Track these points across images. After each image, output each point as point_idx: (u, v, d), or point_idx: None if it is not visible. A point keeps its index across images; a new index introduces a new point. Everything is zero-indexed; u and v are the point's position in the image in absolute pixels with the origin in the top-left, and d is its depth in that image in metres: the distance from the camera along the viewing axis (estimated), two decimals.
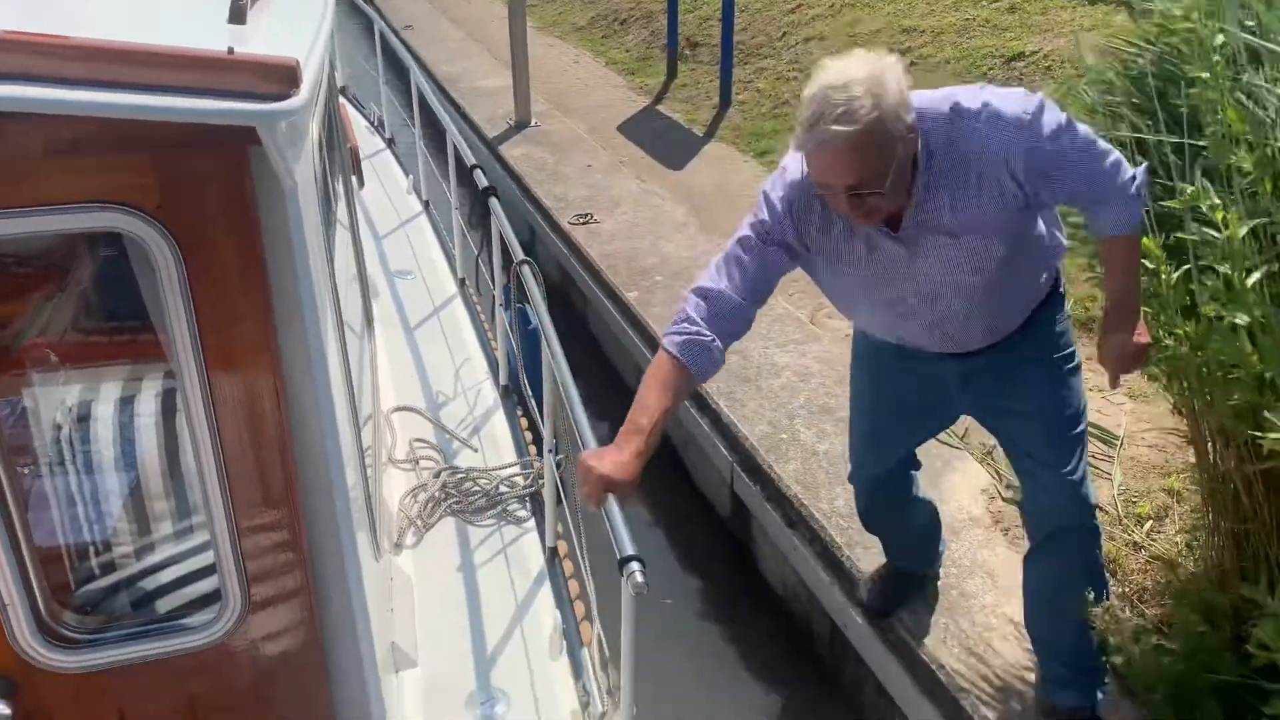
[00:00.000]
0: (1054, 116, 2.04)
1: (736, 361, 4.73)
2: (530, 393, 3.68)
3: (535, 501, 3.16)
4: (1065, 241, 2.39)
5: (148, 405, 1.88)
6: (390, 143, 6.33)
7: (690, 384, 2.10)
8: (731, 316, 2.12)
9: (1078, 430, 2.48)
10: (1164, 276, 2.34)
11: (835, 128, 1.85)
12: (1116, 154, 2.14)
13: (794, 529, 3.71)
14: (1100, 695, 2.69)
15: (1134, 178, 2.16)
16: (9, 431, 1.72)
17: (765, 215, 2.16)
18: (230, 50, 1.42)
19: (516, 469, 3.31)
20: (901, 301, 2.27)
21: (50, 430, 1.84)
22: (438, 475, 3.21)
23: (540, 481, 3.10)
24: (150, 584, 1.88)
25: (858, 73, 1.87)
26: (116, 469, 1.87)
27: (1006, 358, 2.41)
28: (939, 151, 2.03)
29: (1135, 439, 4.00)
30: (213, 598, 1.79)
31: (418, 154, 5.59)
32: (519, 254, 3.09)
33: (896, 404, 2.65)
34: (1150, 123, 2.55)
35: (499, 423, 3.60)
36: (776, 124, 8.38)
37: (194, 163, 1.53)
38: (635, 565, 1.82)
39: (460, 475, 3.22)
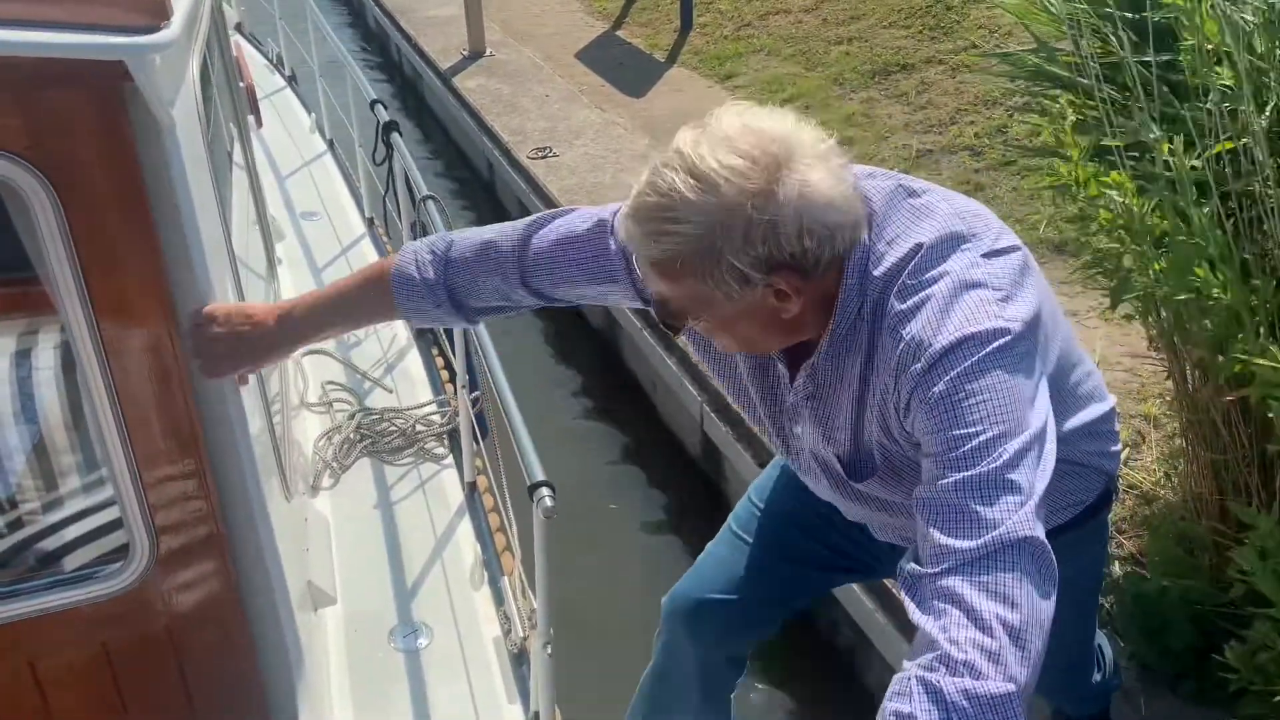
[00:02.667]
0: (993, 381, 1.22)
1: None
2: (443, 330, 3.59)
3: (453, 438, 3.12)
4: (1104, 461, 1.68)
5: (46, 358, 1.83)
6: (291, 80, 6.11)
7: (392, 314, 1.73)
8: (491, 285, 1.62)
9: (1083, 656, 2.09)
10: (1135, 210, 2.23)
11: (638, 235, 1.29)
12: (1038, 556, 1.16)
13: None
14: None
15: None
16: None
17: None
18: None
19: (433, 407, 3.27)
20: (788, 450, 1.61)
21: None
22: (352, 417, 3.16)
23: (457, 418, 3.04)
24: (58, 539, 1.84)
25: (705, 178, 1.22)
26: (17, 424, 1.82)
27: None
28: (851, 312, 1.35)
29: (1109, 363, 3.93)
30: (123, 551, 1.76)
31: (318, 90, 5.40)
32: (423, 189, 2.98)
33: (797, 522, 1.89)
34: (1137, 38, 2.39)
35: (413, 361, 3.56)
36: (739, 46, 8.15)
37: (63, 101, 1.44)
38: (545, 490, 1.83)
39: (375, 416, 3.17)
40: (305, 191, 4.82)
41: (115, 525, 1.75)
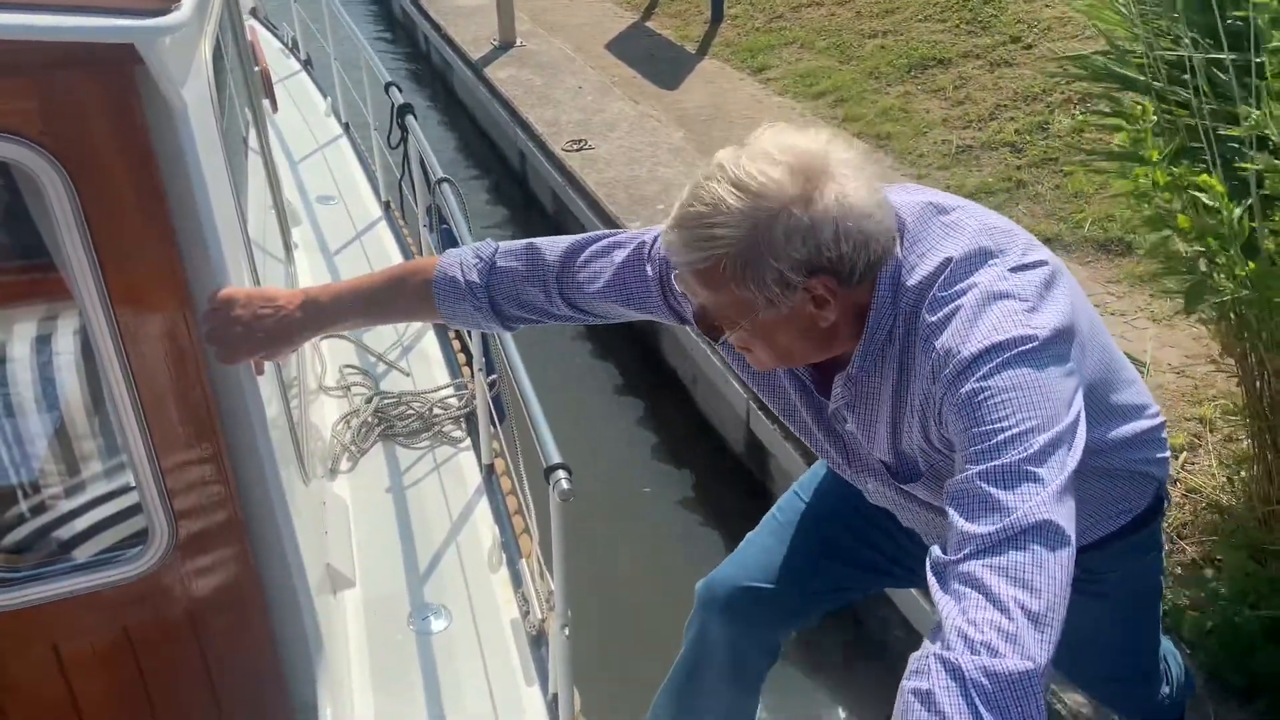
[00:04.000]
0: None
1: None
2: None
3: (470, 421, 3.12)
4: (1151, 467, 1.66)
5: (65, 344, 1.83)
6: (306, 64, 6.09)
7: (424, 314, 1.84)
8: (531, 295, 1.66)
9: (1151, 666, 2.04)
10: (1225, 214, 2.20)
11: (681, 243, 1.33)
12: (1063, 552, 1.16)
13: None
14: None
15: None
16: None
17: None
18: None
19: (450, 390, 3.27)
20: (838, 457, 1.65)
21: None
22: (369, 401, 3.16)
23: (474, 401, 3.05)
24: (80, 524, 1.85)
25: (748, 186, 1.28)
26: (38, 410, 1.83)
27: None
28: (885, 323, 1.39)
29: (1159, 365, 3.90)
30: (143, 535, 1.78)
31: (333, 74, 5.38)
32: (438, 172, 2.97)
33: (844, 520, 1.93)
34: (1210, 40, 2.37)
35: (430, 344, 3.55)
36: (772, 39, 8.11)
37: (76, 84, 1.44)
38: (561, 473, 1.84)
39: (392, 400, 3.18)
40: (321, 176, 4.81)
41: (135, 510, 1.77)
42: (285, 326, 1.67)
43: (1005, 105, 6.08)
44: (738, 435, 4.36)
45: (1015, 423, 1.21)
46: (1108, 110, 2.95)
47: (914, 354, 1.37)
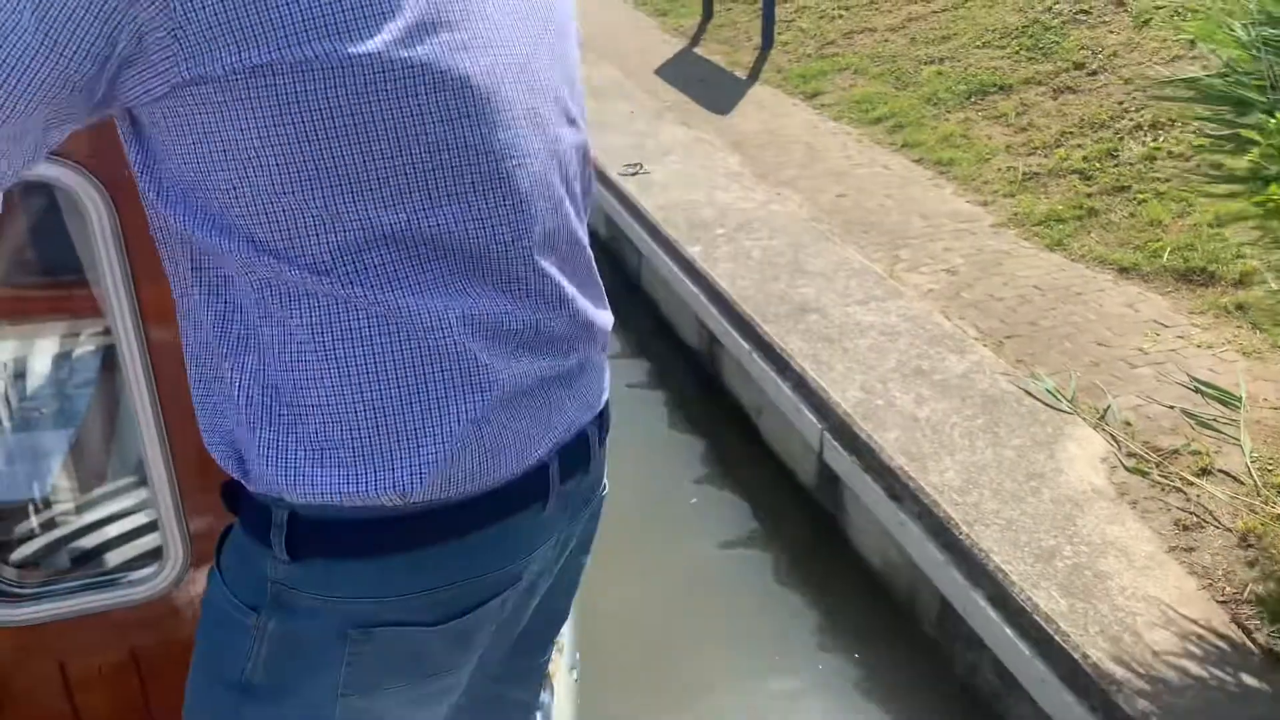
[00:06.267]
0: None
1: (816, 320, 4.48)
2: None
3: None
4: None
5: (86, 361, 1.86)
6: None
7: None
8: None
9: None
10: None
11: None
12: None
13: (899, 502, 3.49)
14: None
15: None
16: None
17: None
18: None
19: None
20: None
21: None
22: None
23: None
24: (92, 540, 1.86)
25: None
26: (56, 425, 1.85)
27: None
28: None
29: (1256, 400, 3.75)
30: (157, 553, 1.75)
31: None
32: None
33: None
34: None
35: None
36: (824, 64, 8.03)
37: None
38: None
39: None
40: None
41: (149, 528, 1.74)
42: None
43: (1071, 132, 5.96)
44: (808, 466, 4.23)
45: None
46: (1220, 134, 2.84)
47: None
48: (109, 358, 1.71)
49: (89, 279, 1.59)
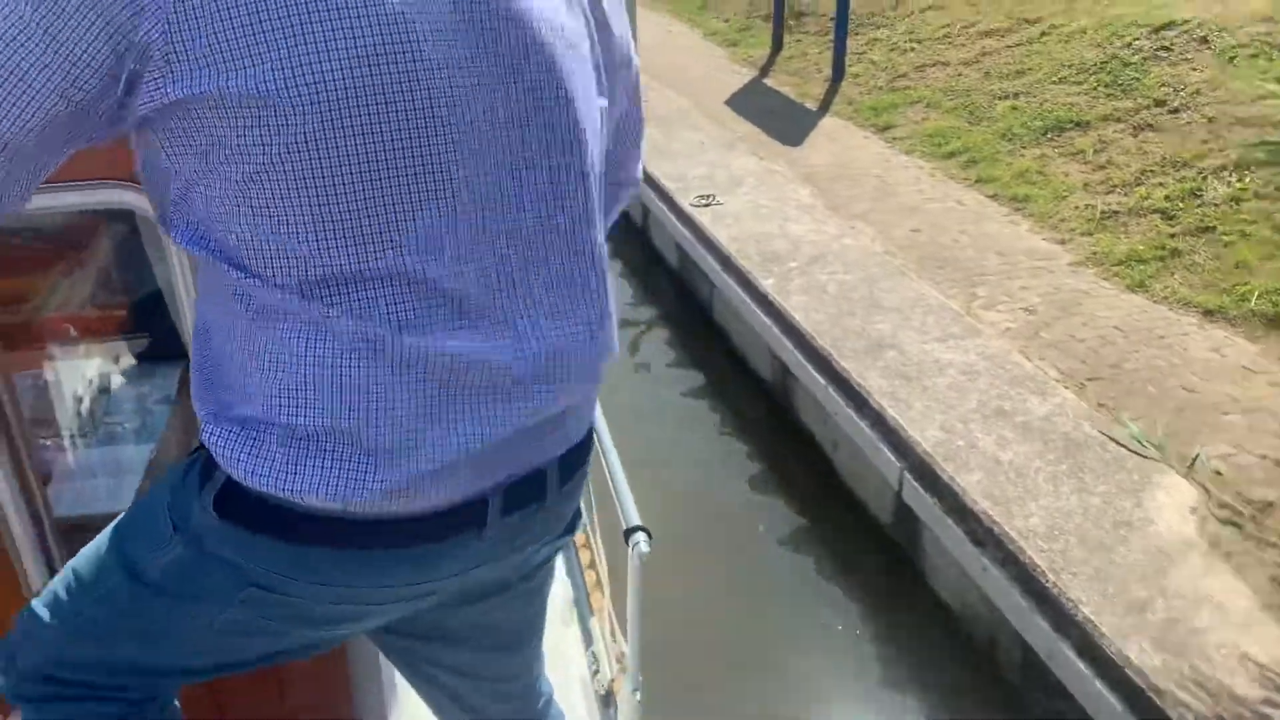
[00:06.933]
0: None
1: (894, 357, 4.45)
2: None
3: None
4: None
5: (165, 377, 1.90)
6: None
7: None
8: None
9: None
10: None
11: None
12: None
13: (982, 547, 3.44)
14: None
15: None
16: (30, 404, 1.72)
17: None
18: None
19: None
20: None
21: (71, 403, 1.86)
22: None
23: None
24: None
25: None
26: (137, 440, 1.88)
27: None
28: None
29: None
30: None
31: None
32: None
33: None
34: None
35: None
36: (895, 98, 8.01)
37: None
38: (640, 535, 1.84)
39: None
40: None
41: None
42: None
43: (1152, 170, 5.88)
44: (884, 504, 4.20)
45: None
46: None
47: None
48: (185, 374, 1.73)
49: (166, 299, 1.61)
